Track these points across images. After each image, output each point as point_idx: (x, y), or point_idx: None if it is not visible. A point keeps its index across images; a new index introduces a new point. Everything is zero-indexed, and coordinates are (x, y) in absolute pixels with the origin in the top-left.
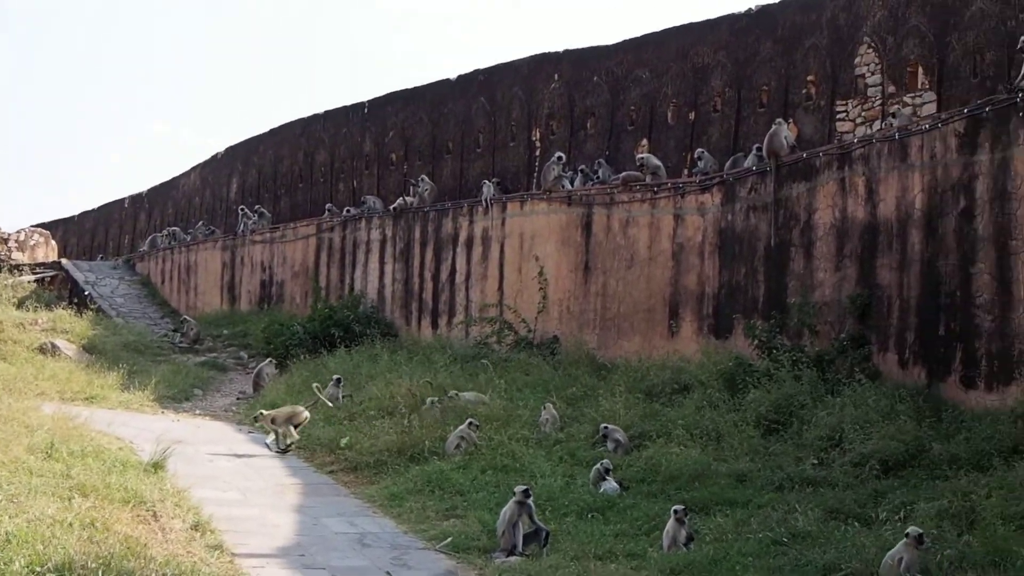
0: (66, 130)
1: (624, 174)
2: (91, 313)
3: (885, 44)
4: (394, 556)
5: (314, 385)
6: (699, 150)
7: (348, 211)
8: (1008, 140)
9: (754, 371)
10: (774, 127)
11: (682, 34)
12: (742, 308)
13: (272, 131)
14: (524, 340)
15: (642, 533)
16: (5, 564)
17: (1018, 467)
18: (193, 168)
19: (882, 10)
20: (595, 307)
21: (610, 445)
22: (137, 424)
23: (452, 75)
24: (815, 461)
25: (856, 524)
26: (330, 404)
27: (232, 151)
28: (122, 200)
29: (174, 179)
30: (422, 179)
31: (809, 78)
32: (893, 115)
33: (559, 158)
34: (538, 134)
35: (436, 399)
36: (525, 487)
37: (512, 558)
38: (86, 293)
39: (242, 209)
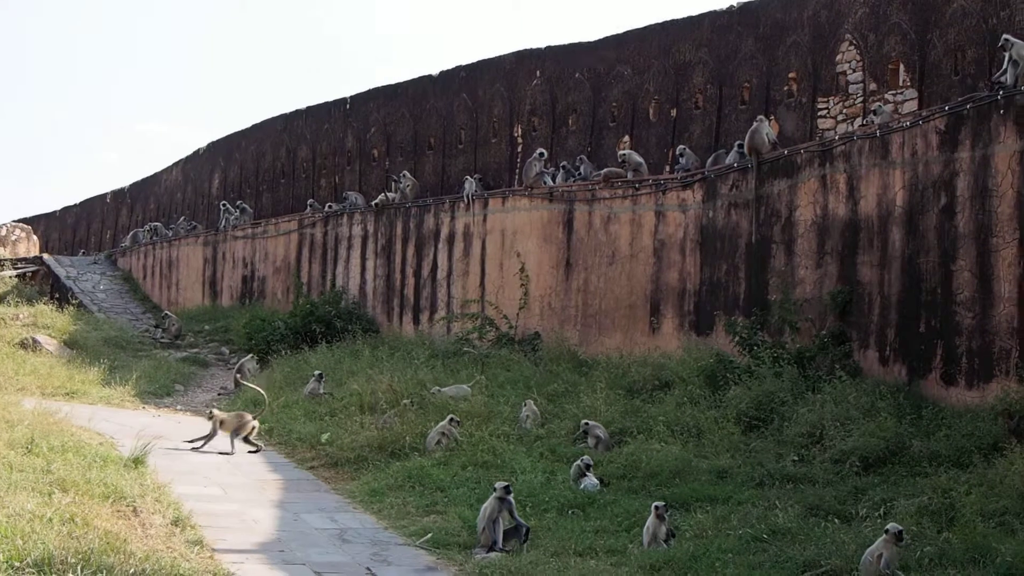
0: (47, 125)
1: (606, 170)
2: (72, 308)
3: (867, 41)
4: (374, 552)
5: (235, 375)
6: (681, 147)
7: (330, 207)
8: (989, 137)
9: (735, 368)
10: (755, 124)
11: (664, 31)
12: (723, 305)
13: (254, 127)
14: (505, 336)
15: (622, 529)
16: None
17: (998, 464)
18: (175, 164)
19: (864, 7)
20: (576, 303)
21: (591, 441)
22: (118, 419)
23: (434, 71)
24: (795, 458)
25: (836, 521)
26: (261, 391)
27: (214, 147)
28: (104, 195)
29: (156, 175)
30: (404, 175)
31: (791, 75)
32: (874, 112)
33: (541, 154)
34: (520, 130)
35: (408, 401)
36: (506, 483)
37: (492, 554)
38: (68, 288)
39: (224, 205)
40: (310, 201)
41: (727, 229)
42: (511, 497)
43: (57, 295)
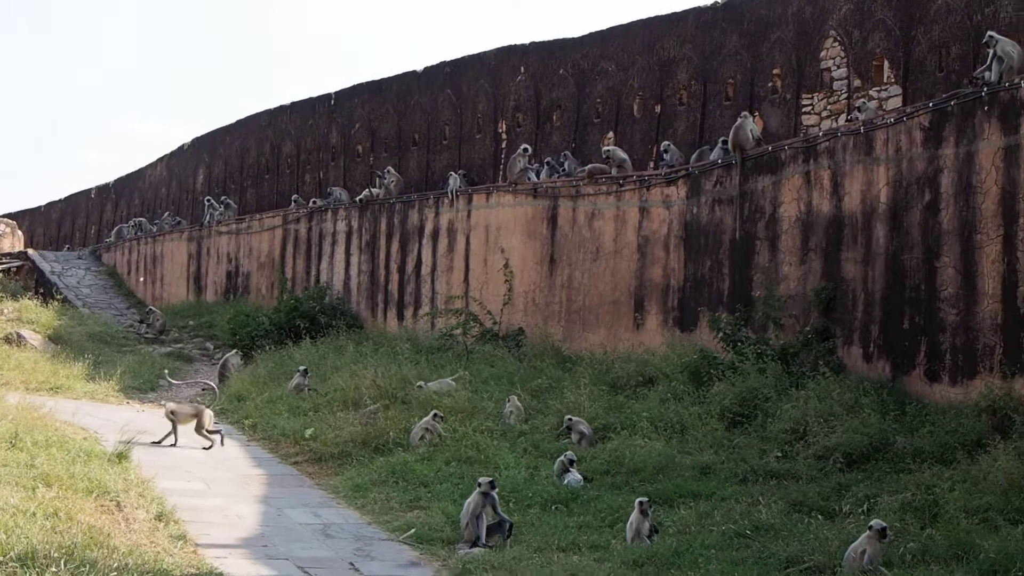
0: (32, 121)
1: (590, 167)
2: (57, 303)
3: (851, 38)
4: (357, 547)
5: (165, 371)
6: (665, 143)
7: (314, 202)
8: (973, 134)
9: (719, 364)
10: (740, 120)
11: (648, 27)
12: (707, 301)
13: (239, 122)
14: (489, 332)
15: (606, 525)
16: None
17: (981, 460)
18: (160, 159)
19: (848, 4)
20: (560, 299)
21: (574, 437)
22: (102, 414)
23: (418, 67)
24: (779, 454)
25: (819, 517)
26: (211, 383)
27: (198, 142)
28: (89, 191)
29: (140, 170)
30: (388, 171)
31: (775, 71)
32: (859, 109)
33: (525, 150)
34: (504, 126)
35: (379, 405)
36: (490, 479)
37: (475, 549)
38: (52, 284)
39: (208, 200)
40: (294, 197)
41: (711, 225)
42: (495, 492)
43: (42, 290)
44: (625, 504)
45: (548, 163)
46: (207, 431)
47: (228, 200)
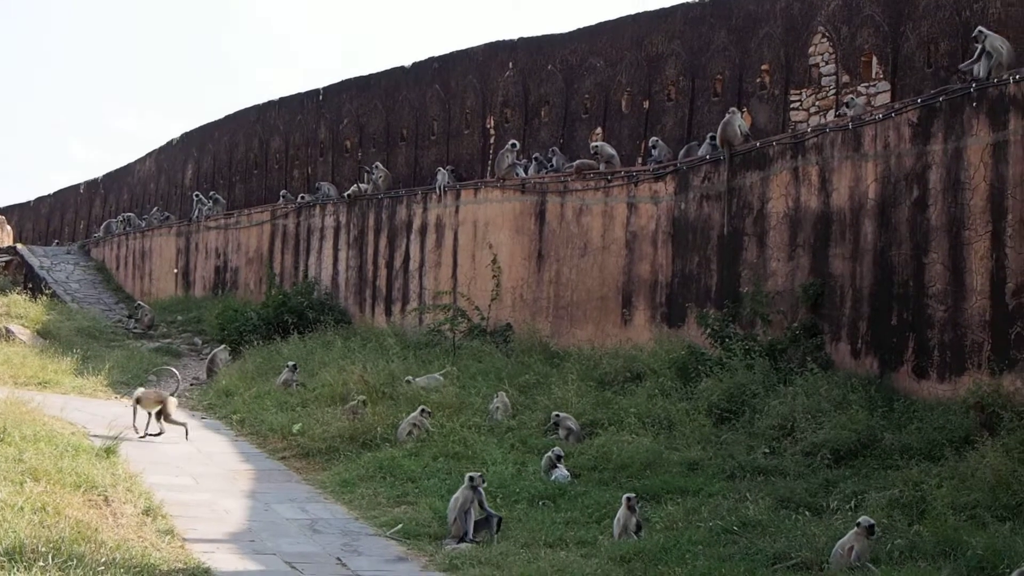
0: (21, 115)
1: (578, 162)
2: (46, 298)
3: (839, 33)
4: (345, 542)
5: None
6: (653, 139)
7: (302, 198)
8: (961, 130)
9: (707, 360)
10: (728, 116)
11: (636, 23)
12: (695, 297)
13: (227, 117)
14: (477, 328)
15: (593, 521)
16: None
17: (969, 457)
18: (148, 154)
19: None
20: (548, 295)
21: (562, 433)
22: (90, 409)
23: (407, 63)
24: (767, 450)
25: (807, 513)
26: (173, 370)
27: (187, 137)
28: (78, 186)
29: (129, 165)
30: (376, 166)
31: (763, 67)
32: (847, 104)
33: (513, 146)
34: (492, 122)
35: (363, 398)
36: (477, 474)
37: (463, 545)
38: (41, 278)
39: (197, 195)
40: (283, 192)
41: (699, 221)
42: (482, 488)
43: (31, 285)
44: (612, 500)
45: (536, 159)
46: (172, 419)
47: (216, 195)
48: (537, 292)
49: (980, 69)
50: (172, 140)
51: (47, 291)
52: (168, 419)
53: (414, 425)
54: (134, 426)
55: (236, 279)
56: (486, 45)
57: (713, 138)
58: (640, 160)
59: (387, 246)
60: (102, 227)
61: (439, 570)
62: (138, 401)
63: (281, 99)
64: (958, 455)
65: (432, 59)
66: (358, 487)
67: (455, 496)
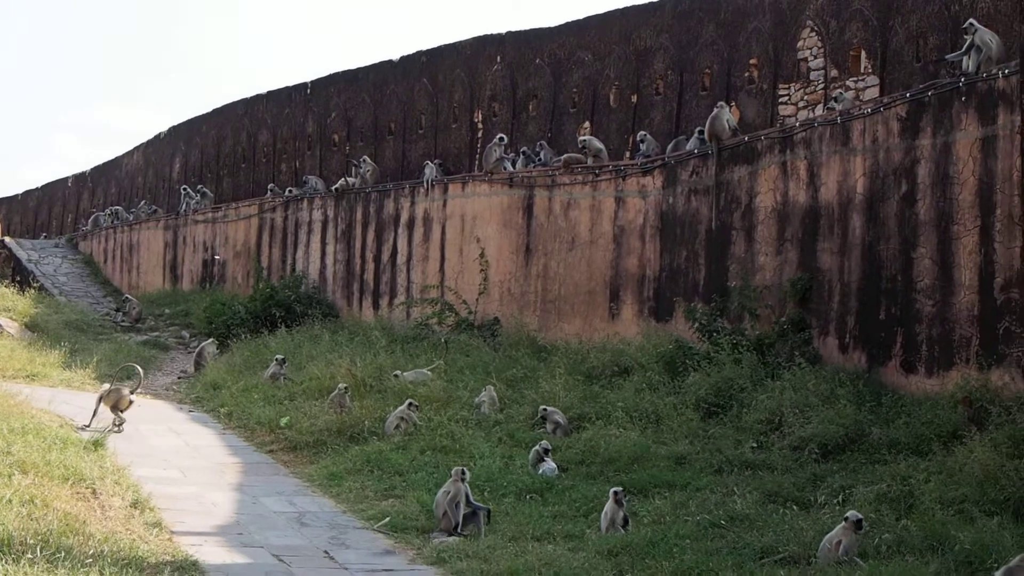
0: (8, 107)
1: (566, 156)
2: (34, 291)
3: (828, 28)
4: (332, 535)
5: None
6: (641, 133)
7: (290, 191)
8: (950, 124)
9: (694, 354)
10: (716, 110)
11: (625, 17)
12: (683, 291)
13: (215, 111)
14: (465, 322)
15: (580, 515)
16: None
17: (957, 452)
18: (136, 147)
19: None
20: (536, 289)
21: (549, 427)
22: (78, 402)
23: (395, 56)
24: (754, 444)
25: (794, 507)
26: (136, 366)
27: (175, 131)
28: (66, 179)
29: (117, 158)
30: (364, 160)
31: (752, 61)
32: (835, 99)
33: (501, 140)
34: (480, 116)
35: (345, 385)
36: (462, 468)
37: (451, 538)
38: (29, 271)
39: (184, 189)
40: (270, 186)
41: (687, 215)
42: (467, 481)
43: (18, 278)
44: (600, 494)
45: (524, 153)
46: (120, 411)
47: (204, 189)
48: (525, 286)
49: (969, 63)
50: (160, 134)
51: (35, 284)
52: (117, 411)
53: (402, 419)
54: (90, 421)
55: (224, 273)
56: (474, 39)
57: (701, 132)
58: (628, 154)
59: (375, 240)
60: (90, 221)
61: (426, 563)
62: (102, 398)
63: (269, 93)
64: (946, 450)
65: (420, 53)
66: (346, 480)
67: (444, 489)
